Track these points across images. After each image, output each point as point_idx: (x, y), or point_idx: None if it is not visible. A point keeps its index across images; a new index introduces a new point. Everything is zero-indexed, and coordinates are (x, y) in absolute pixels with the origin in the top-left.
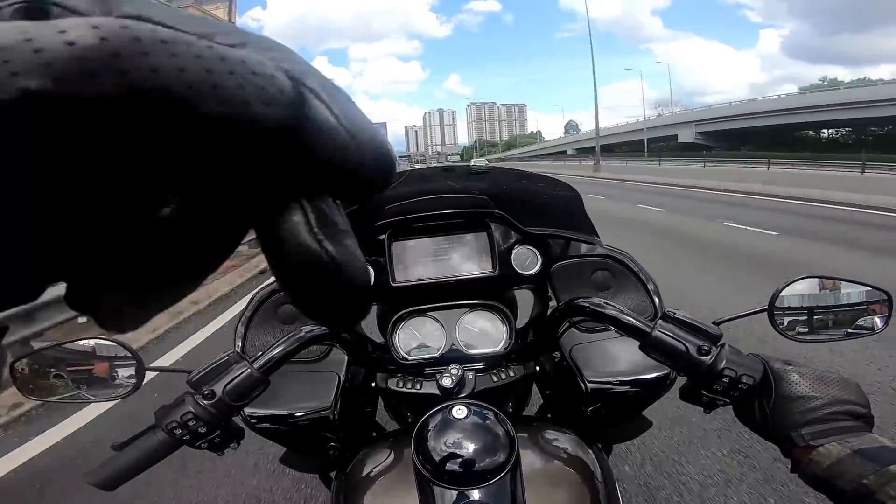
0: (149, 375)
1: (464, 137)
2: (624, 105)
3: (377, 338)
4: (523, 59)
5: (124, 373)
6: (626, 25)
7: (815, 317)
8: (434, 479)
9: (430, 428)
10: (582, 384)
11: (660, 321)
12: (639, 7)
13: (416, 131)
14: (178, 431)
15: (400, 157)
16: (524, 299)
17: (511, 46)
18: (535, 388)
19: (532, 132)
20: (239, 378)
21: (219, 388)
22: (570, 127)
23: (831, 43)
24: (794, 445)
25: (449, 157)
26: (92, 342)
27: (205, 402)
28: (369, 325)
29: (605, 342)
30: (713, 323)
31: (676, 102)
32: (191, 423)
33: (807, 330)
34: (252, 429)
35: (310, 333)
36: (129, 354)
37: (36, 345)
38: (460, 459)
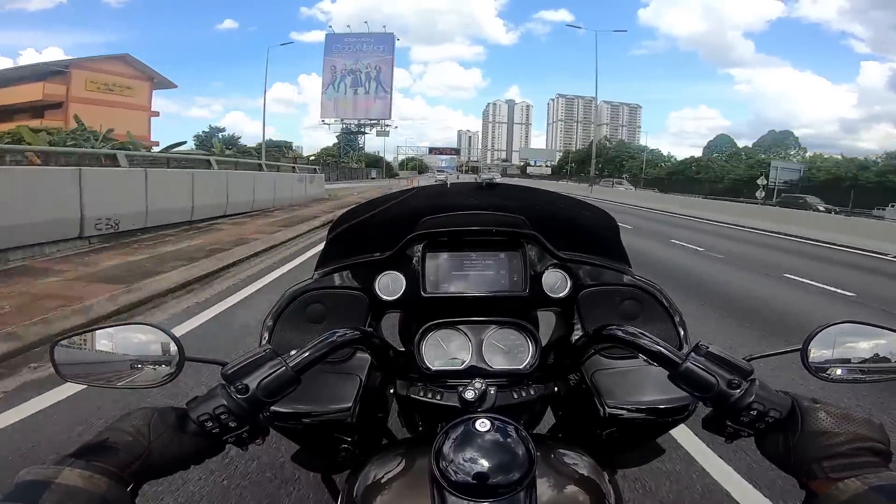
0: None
1: (541, 141)
2: (691, 133)
3: (398, 345)
4: (591, 74)
5: (163, 360)
6: (712, 46)
7: (848, 360)
8: (451, 490)
9: (451, 438)
10: (601, 408)
11: (692, 353)
12: (729, 28)
13: (469, 136)
14: (209, 424)
15: (441, 159)
16: (543, 319)
17: (579, 61)
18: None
19: None
20: (273, 375)
21: (252, 383)
22: None
23: None
24: (813, 477)
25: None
26: (133, 327)
27: (238, 396)
28: (391, 333)
29: (626, 370)
30: (744, 359)
31: (752, 135)
32: (222, 417)
33: (839, 372)
34: (271, 425)
35: (342, 337)
36: (171, 341)
37: (76, 328)
38: (479, 472)
